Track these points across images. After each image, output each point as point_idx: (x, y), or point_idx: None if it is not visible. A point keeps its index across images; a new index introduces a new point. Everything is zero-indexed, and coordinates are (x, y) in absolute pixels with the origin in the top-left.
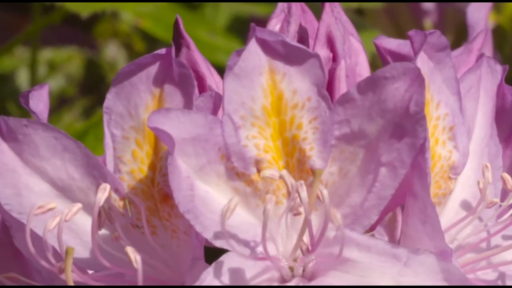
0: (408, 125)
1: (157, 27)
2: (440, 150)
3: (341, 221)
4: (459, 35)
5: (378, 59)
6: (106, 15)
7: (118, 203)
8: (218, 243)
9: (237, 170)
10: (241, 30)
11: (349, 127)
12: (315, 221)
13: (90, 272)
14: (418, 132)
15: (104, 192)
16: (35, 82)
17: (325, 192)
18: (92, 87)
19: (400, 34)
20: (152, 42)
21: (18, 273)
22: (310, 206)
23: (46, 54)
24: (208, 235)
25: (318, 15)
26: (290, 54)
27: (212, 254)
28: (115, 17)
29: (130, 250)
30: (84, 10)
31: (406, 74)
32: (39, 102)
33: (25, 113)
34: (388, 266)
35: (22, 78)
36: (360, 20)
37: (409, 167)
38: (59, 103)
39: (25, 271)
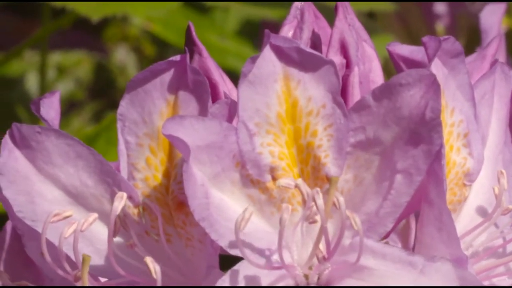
0: (423, 132)
1: (167, 31)
2: (455, 157)
3: (361, 225)
4: (471, 39)
5: (390, 64)
6: (115, 19)
7: (132, 210)
8: (233, 251)
9: (252, 177)
10: (251, 34)
11: (365, 134)
12: (331, 228)
13: (103, 280)
14: (434, 138)
15: (120, 201)
16: (44, 86)
17: (341, 199)
18: (102, 91)
19: (412, 38)
20: (162, 46)
21: (30, 281)
22: (326, 214)
23: (55, 58)
24: (223, 243)
25: (329, 19)
26: (305, 61)
27: (227, 262)
28: (124, 21)
29: (149, 260)
30: (95, 14)
31: (421, 80)
32: (50, 109)
33: (35, 117)
34: (404, 273)
35: (31, 82)
36: (372, 24)
37: (424, 174)
38: (68, 107)
39: (37, 279)
